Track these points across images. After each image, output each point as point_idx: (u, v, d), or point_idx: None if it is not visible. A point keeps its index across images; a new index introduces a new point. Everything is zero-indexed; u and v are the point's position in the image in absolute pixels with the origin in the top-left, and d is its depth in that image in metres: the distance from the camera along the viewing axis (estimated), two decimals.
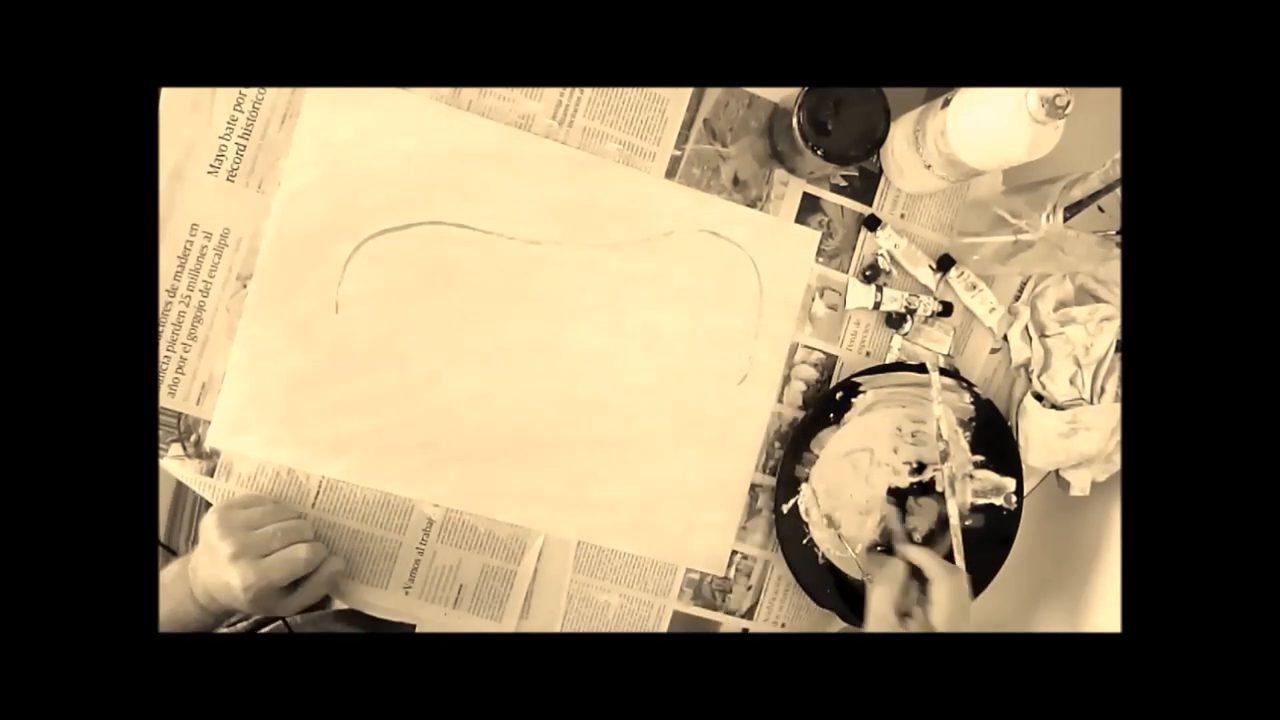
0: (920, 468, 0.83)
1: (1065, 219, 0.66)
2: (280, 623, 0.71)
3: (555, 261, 0.76)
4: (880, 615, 0.70)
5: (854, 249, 0.81)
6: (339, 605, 0.81)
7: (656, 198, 0.77)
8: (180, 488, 0.72)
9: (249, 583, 0.62)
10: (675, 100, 0.77)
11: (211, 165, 0.71)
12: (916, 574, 0.73)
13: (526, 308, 0.76)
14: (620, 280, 0.77)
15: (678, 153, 0.78)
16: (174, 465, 0.71)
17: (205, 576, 0.65)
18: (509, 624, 0.78)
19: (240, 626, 0.81)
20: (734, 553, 0.81)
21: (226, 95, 0.70)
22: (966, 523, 0.81)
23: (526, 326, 0.76)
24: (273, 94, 0.71)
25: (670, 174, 0.78)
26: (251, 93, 0.71)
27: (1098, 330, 0.80)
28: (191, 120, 0.70)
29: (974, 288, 0.82)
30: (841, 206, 0.81)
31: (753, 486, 0.81)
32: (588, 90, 0.76)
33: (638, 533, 0.79)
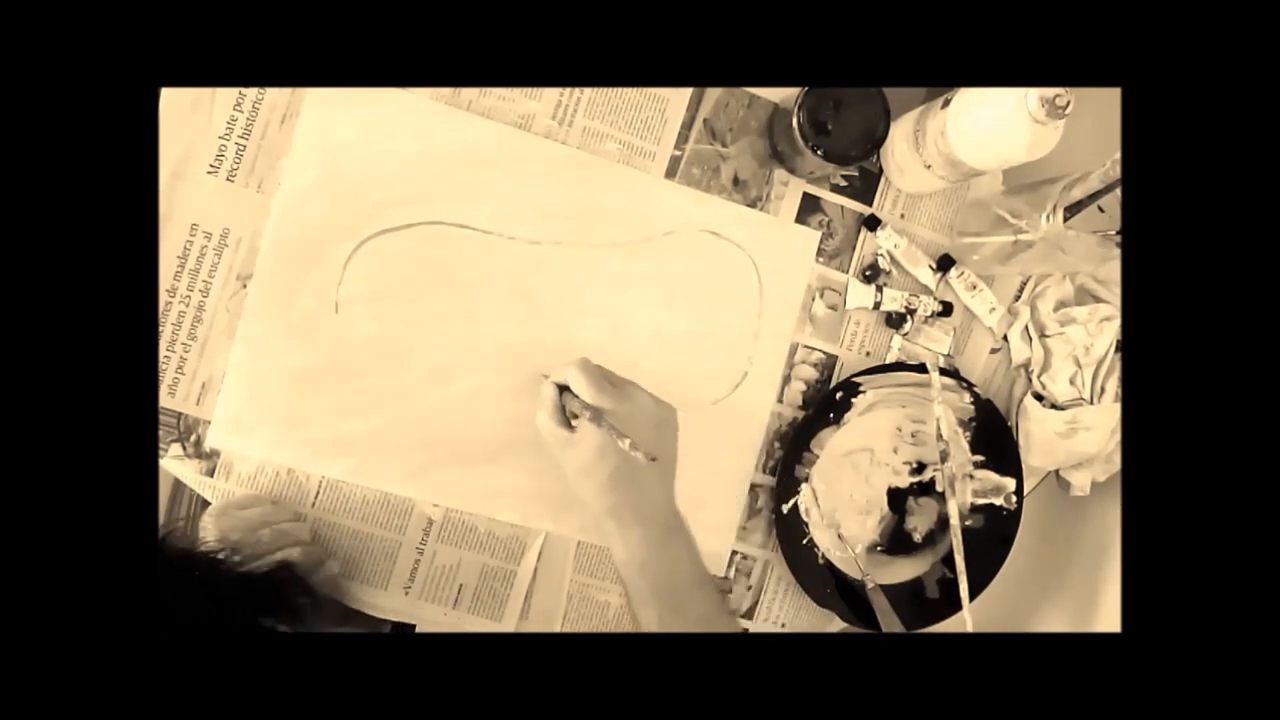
0: (920, 468, 0.83)
1: (1065, 219, 0.65)
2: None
3: (555, 261, 0.76)
4: (548, 432, 0.67)
5: (854, 249, 0.81)
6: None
7: (656, 198, 0.77)
8: (177, 486, 0.72)
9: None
10: (675, 100, 0.78)
11: (211, 165, 0.71)
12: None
13: (527, 308, 0.76)
14: (620, 280, 0.77)
15: (678, 153, 0.78)
16: (174, 465, 0.71)
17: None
18: (509, 624, 0.78)
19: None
20: (734, 553, 0.81)
21: (226, 95, 0.70)
22: (966, 523, 0.81)
23: (527, 326, 0.76)
24: (273, 94, 0.71)
25: (670, 174, 0.78)
26: (251, 93, 0.71)
27: (1098, 330, 0.80)
28: (191, 120, 0.70)
29: (974, 288, 0.82)
30: (841, 206, 0.81)
31: (753, 486, 0.81)
32: (587, 90, 0.76)
33: None
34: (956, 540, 0.80)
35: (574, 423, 0.66)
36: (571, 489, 0.68)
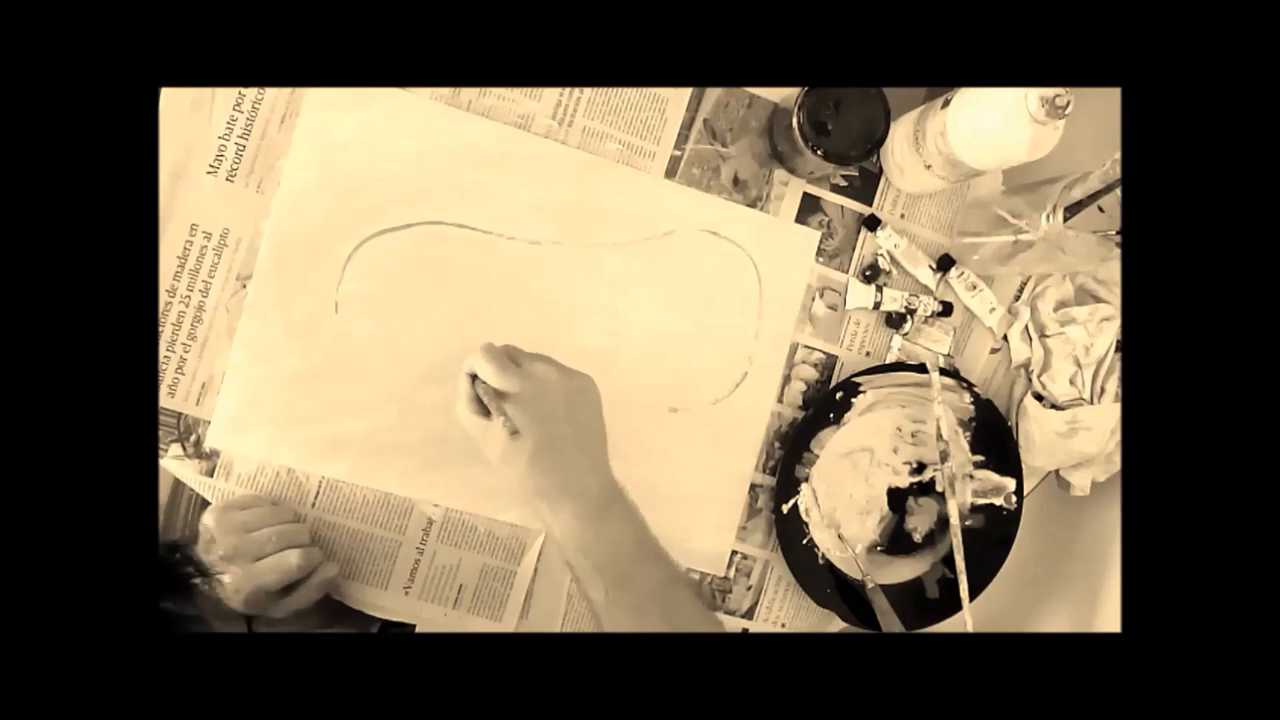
0: (920, 468, 0.83)
1: (1065, 219, 0.65)
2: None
3: (555, 261, 0.76)
4: (466, 423, 0.66)
5: (854, 249, 0.81)
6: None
7: (656, 198, 0.77)
8: (177, 486, 0.72)
9: (239, 585, 0.63)
10: (675, 100, 0.77)
11: (211, 165, 0.70)
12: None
13: (526, 308, 0.76)
14: (620, 280, 0.77)
15: (678, 153, 0.78)
16: (174, 465, 0.71)
17: None
18: (509, 624, 0.77)
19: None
20: (734, 553, 0.81)
21: (226, 95, 0.70)
22: (967, 523, 0.81)
23: (526, 327, 0.76)
24: (272, 94, 0.71)
25: (670, 174, 0.78)
26: (251, 92, 0.71)
27: (1098, 330, 0.80)
28: (191, 120, 0.70)
29: (974, 288, 0.82)
30: (842, 206, 0.81)
31: (753, 486, 0.81)
32: (587, 90, 0.76)
33: None
34: (956, 540, 0.79)
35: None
36: (499, 477, 0.67)
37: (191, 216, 0.71)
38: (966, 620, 0.79)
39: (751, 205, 0.79)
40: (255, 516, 0.67)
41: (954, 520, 0.80)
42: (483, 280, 0.75)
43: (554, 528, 0.64)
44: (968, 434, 0.82)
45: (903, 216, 0.82)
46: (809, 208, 0.80)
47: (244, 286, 0.71)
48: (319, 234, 0.72)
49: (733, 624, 0.82)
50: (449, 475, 0.75)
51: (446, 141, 0.73)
